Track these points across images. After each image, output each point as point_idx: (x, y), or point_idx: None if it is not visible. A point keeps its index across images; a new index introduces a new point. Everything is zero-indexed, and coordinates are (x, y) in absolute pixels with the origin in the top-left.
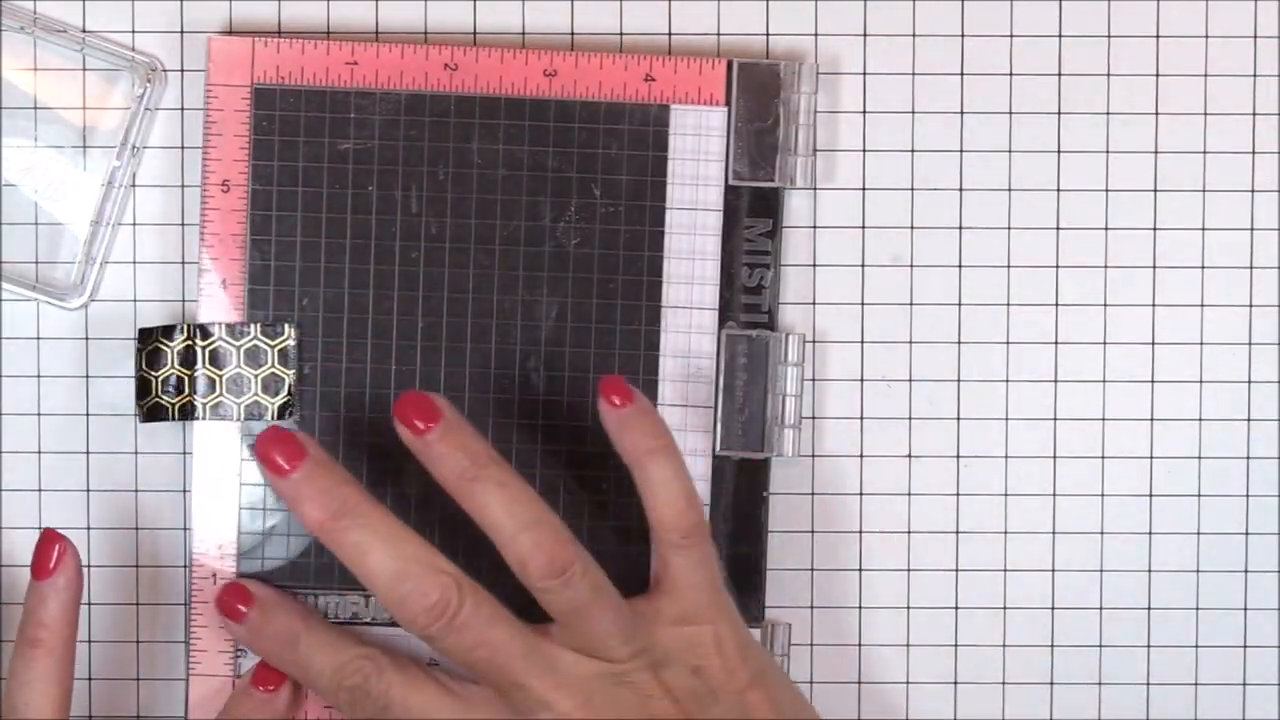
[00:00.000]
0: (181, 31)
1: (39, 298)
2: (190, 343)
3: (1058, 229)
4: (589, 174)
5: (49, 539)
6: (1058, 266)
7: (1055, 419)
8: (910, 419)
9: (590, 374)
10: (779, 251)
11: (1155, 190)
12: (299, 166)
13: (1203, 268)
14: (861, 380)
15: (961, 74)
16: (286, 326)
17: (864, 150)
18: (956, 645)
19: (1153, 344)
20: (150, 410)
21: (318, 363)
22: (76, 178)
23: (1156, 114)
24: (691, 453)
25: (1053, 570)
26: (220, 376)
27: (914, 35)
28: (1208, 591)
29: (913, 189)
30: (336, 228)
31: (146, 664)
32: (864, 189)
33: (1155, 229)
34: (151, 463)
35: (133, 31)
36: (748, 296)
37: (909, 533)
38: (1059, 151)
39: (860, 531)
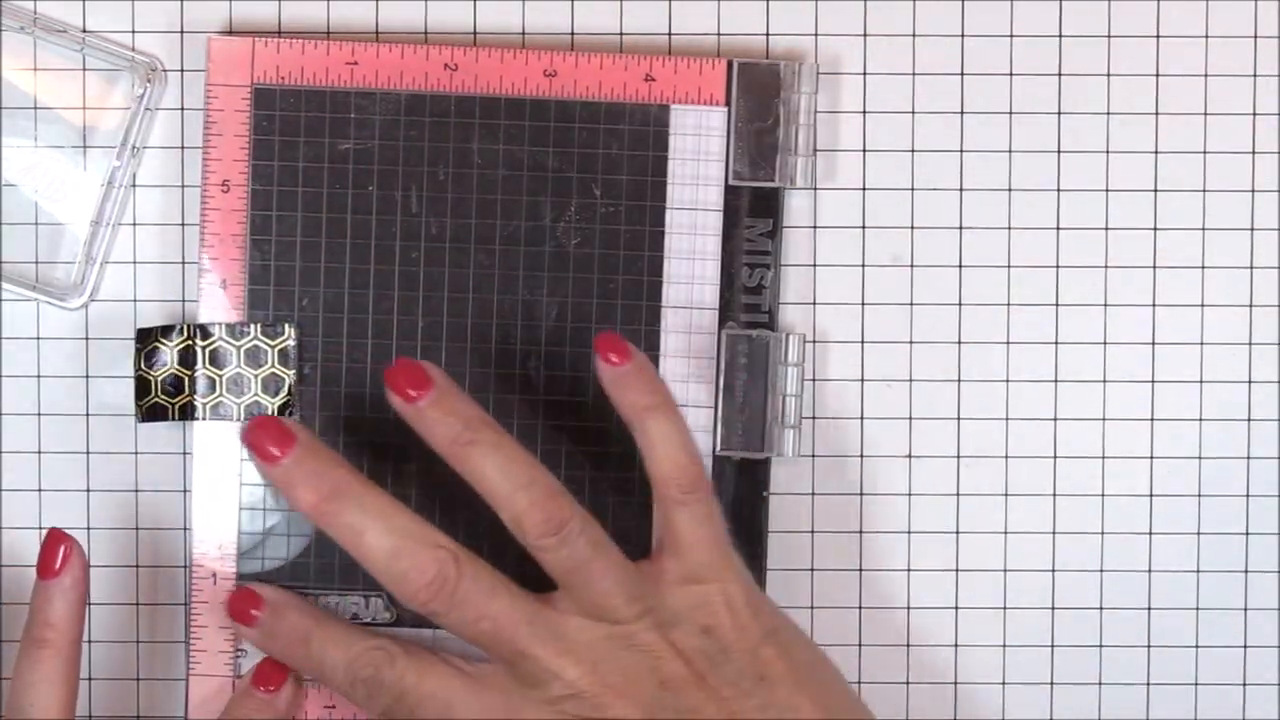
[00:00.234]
0: (181, 31)
1: (39, 298)
2: (190, 343)
3: (1058, 229)
4: (589, 174)
5: (55, 539)
6: (1058, 266)
7: (1055, 419)
8: (910, 419)
9: (590, 374)
10: (779, 251)
11: (1155, 190)
12: (299, 166)
13: (1203, 268)
14: (861, 380)
15: (961, 74)
16: (286, 326)
17: (864, 150)
18: (956, 645)
19: (1153, 344)
20: (149, 410)
21: (318, 363)
22: (76, 178)
23: (1156, 114)
24: None
25: (1053, 570)
26: (220, 376)
27: (914, 35)
28: (1208, 591)
29: (913, 189)
30: (337, 228)
31: (146, 664)
32: (864, 189)
33: (1155, 229)
34: (151, 463)
35: (133, 31)
36: (748, 296)
37: (909, 533)
38: (1059, 151)
39: (860, 531)
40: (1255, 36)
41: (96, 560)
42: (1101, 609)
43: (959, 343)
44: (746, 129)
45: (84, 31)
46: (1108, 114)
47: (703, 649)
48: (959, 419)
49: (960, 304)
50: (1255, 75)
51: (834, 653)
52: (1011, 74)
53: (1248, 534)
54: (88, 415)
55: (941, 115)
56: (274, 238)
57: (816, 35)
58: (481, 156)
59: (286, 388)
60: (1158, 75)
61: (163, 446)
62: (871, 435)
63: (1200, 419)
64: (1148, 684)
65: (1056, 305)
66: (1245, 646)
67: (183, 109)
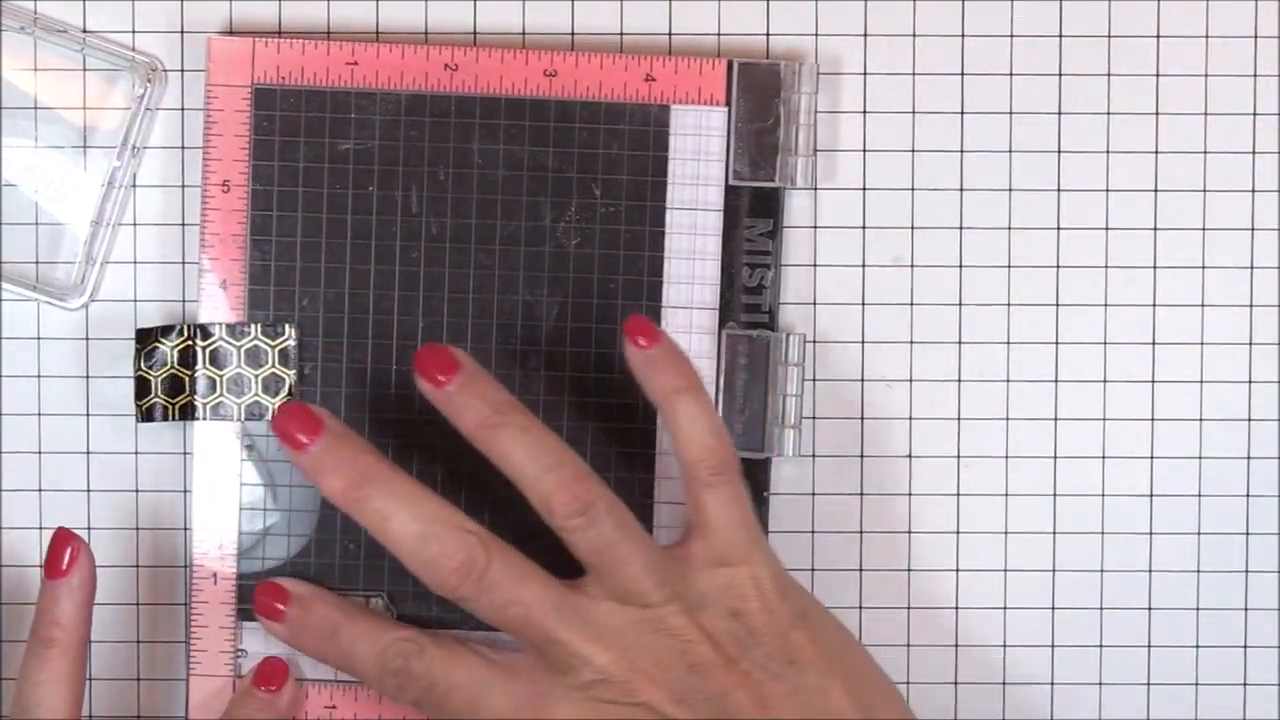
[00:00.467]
0: (182, 31)
1: (39, 298)
2: (190, 343)
3: (1058, 229)
4: (589, 174)
5: (63, 538)
6: (1058, 266)
7: (1055, 419)
8: (910, 419)
9: (591, 374)
10: (779, 251)
11: (1155, 190)
12: (299, 167)
13: (1203, 268)
14: (862, 380)
15: (961, 74)
16: (287, 326)
17: (864, 150)
18: (957, 645)
19: (1153, 344)
20: (149, 410)
21: (318, 363)
22: (77, 178)
23: (1156, 114)
24: None
25: (1053, 570)
26: (221, 376)
27: (914, 35)
28: (1208, 591)
29: (913, 189)
30: (337, 228)
31: (146, 664)
32: (864, 189)
33: (1155, 229)
34: (151, 463)
35: (133, 31)
36: (748, 296)
37: (909, 533)
38: (1059, 151)
39: (860, 531)
40: (1255, 36)
41: (97, 560)
42: (1101, 609)
43: (959, 343)
44: (747, 129)
45: (84, 31)
46: (1108, 114)
47: (732, 632)
48: (959, 419)
49: (960, 304)
50: (1255, 75)
51: None
52: (1011, 74)
53: (1248, 534)
54: (88, 415)
55: (941, 115)
56: (274, 238)
57: (816, 35)
58: (482, 156)
59: (287, 388)
60: (1158, 75)
61: (163, 446)
62: (871, 435)
63: (1200, 419)
64: (1148, 684)
65: (1056, 305)
66: (1245, 646)
67: (183, 109)
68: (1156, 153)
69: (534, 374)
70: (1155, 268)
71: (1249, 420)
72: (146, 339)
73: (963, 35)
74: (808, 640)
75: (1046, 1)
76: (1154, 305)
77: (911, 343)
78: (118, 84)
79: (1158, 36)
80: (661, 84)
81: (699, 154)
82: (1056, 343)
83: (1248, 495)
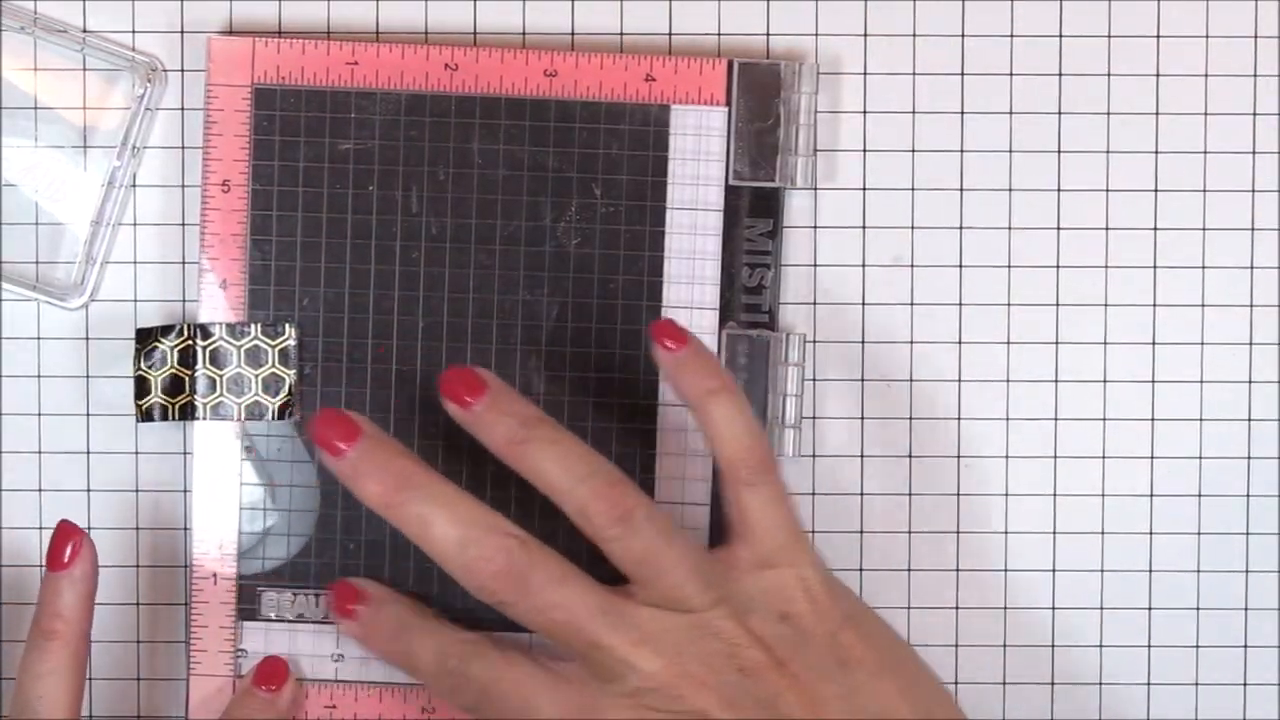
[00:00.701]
0: (182, 31)
1: (39, 298)
2: (190, 343)
3: (1058, 229)
4: (589, 174)
5: (65, 531)
6: (1058, 266)
7: (1055, 419)
8: (910, 419)
9: (591, 374)
10: (779, 251)
11: (1155, 190)
12: (299, 166)
13: (1203, 268)
14: (862, 380)
15: (961, 74)
16: (287, 326)
17: (864, 150)
18: (957, 645)
19: (1153, 344)
20: (149, 410)
21: (318, 363)
22: (76, 178)
23: (1156, 114)
24: (694, 453)
25: (1053, 570)
26: (221, 376)
27: (914, 35)
28: (1208, 591)
29: (913, 189)
30: (337, 228)
31: (147, 664)
32: (864, 189)
33: (1155, 229)
34: (151, 463)
35: (133, 31)
36: (748, 296)
37: (909, 533)
38: (1059, 151)
39: (860, 531)
40: (1255, 36)
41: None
42: (1101, 609)
43: (959, 343)
44: (747, 129)
45: (84, 31)
46: (1108, 114)
47: (781, 635)
48: (959, 419)
49: (960, 304)
50: (1255, 75)
51: None
52: (1011, 74)
53: (1248, 534)
54: (88, 415)
55: (941, 115)
56: (274, 238)
57: (817, 35)
58: (482, 156)
59: (287, 388)
60: (1158, 75)
61: (163, 446)
62: (871, 435)
63: (1200, 419)
64: (1148, 684)
65: (1056, 305)
66: (1245, 646)
67: (183, 109)
68: (1156, 153)
69: (534, 374)
70: (1155, 268)
71: (1249, 420)
72: (146, 339)
73: (963, 35)
74: (857, 640)
75: (1046, 1)
76: (1154, 305)
77: (911, 343)
78: (118, 84)
79: (1158, 36)
80: (661, 84)
81: (699, 154)
82: (1056, 343)
83: (1248, 495)
